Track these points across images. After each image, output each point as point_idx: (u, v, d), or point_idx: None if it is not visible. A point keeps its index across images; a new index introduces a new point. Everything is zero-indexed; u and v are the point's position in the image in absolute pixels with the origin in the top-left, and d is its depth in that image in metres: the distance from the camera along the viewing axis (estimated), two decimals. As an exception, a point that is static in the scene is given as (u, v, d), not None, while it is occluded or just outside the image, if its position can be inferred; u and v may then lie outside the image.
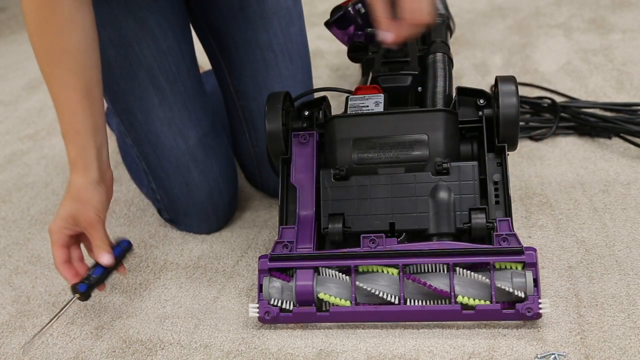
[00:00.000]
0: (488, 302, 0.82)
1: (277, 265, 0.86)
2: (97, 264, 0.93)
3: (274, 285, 0.87)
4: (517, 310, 0.82)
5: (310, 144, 0.94)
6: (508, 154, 0.88)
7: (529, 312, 0.82)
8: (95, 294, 1.00)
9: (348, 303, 0.85)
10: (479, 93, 0.92)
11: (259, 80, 1.09)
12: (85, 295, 0.88)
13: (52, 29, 0.83)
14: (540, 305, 0.81)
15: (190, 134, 1.04)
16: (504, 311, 0.82)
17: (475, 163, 0.88)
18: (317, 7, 1.88)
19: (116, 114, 1.05)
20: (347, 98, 0.97)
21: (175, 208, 1.09)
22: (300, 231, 0.89)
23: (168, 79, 1.03)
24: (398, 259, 0.84)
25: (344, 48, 1.14)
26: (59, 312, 0.88)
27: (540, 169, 1.13)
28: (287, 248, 0.88)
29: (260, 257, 0.88)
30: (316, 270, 0.86)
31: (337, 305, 0.85)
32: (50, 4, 0.82)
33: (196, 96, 1.06)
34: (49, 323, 0.88)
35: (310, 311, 0.86)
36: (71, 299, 0.88)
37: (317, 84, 1.45)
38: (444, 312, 0.83)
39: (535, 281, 0.81)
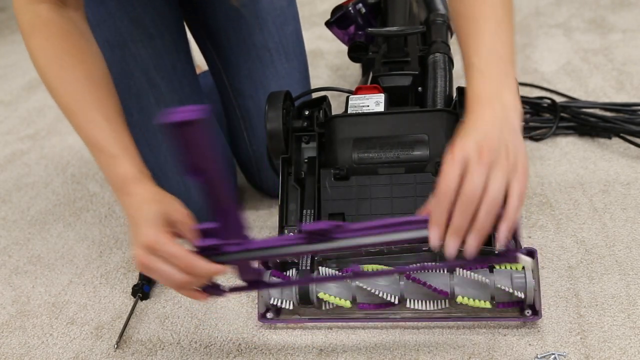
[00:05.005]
0: (488, 302, 0.82)
1: (278, 276, 0.86)
2: None
3: (274, 285, 0.87)
4: (517, 311, 0.82)
5: None
6: (508, 154, 0.88)
7: (528, 312, 0.82)
8: (94, 293, 1.01)
9: (348, 303, 0.85)
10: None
11: (255, 79, 1.09)
12: (147, 296, 0.97)
13: (75, 58, 0.82)
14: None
15: None
16: (504, 312, 0.82)
17: (475, 163, 0.88)
18: (317, 7, 1.88)
19: None
20: (347, 98, 0.97)
21: None
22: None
23: (164, 77, 1.03)
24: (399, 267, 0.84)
25: (344, 48, 1.14)
26: (130, 314, 0.93)
27: (540, 169, 1.13)
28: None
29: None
30: (316, 269, 0.86)
31: (337, 305, 0.85)
32: (64, 36, 0.82)
33: (192, 95, 1.06)
34: (124, 327, 0.91)
35: (310, 311, 0.86)
36: (136, 300, 0.95)
37: (317, 83, 1.45)
38: (444, 312, 0.84)
39: (536, 282, 0.81)
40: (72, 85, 0.82)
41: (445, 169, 0.66)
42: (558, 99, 1.28)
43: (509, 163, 0.65)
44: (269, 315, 0.88)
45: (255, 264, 0.77)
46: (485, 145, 0.65)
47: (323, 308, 0.87)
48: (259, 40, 1.08)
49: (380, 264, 0.85)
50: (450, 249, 0.66)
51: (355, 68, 1.53)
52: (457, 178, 0.65)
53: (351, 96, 0.97)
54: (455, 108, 0.93)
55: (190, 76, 1.07)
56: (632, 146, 1.14)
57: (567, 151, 1.16)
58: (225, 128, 1.17)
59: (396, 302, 0.84)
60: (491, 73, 0.72)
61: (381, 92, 0.97)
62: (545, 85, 1.35)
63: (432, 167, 0.88)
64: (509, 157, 0.66)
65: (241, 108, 1.11)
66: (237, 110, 1.12)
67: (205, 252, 0.73)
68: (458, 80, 1.29)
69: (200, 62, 1.20)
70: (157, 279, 0.76)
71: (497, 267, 0.83)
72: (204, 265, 0.71)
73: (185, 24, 1.12)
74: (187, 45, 1.09)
